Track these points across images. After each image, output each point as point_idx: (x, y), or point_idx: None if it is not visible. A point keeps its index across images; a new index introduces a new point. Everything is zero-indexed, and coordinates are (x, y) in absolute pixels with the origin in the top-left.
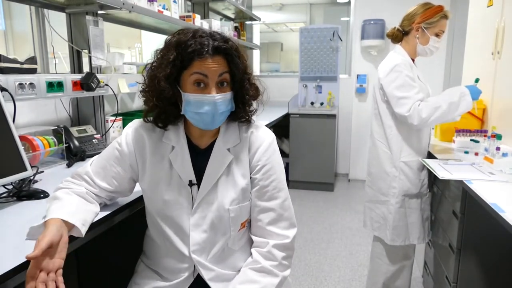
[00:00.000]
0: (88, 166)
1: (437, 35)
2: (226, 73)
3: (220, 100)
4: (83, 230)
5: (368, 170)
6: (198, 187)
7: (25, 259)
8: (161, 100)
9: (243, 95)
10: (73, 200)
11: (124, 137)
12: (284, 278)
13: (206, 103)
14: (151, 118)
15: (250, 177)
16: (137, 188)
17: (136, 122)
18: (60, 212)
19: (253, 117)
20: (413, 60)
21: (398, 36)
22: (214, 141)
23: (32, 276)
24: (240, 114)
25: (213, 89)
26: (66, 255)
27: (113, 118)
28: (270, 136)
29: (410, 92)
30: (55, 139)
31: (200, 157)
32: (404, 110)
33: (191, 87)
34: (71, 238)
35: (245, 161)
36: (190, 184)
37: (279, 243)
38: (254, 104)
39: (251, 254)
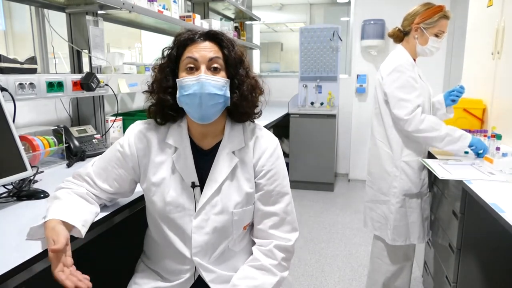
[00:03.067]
0: (89, 167)
1: (436, 35)
2: (218, 58)
3: (208, 80)
4: (83, 231)
5: (368, 170)
6: (201, 189)
7: (25, 259)
8: (156, 88)
9: (238, 83)
10: (73, 201)
11: (126, 138)
12: (282, 279)
13: (193, 84)
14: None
15: (255, 182)
16: (137, 188)
17: (138, 124)
18: (60, 213)
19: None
20: (414, 60)
21: (399, 36)
22: (218, 143)
23: (61, 270)
24: (235, 105)
25: (202, 71)
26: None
27: (113, 118)
28: (275, 141)
29: (411, 95)
30: (55, 139)
31: (203, 159)
32: (403, 113)
33: (184, 71)
34: (71, 238)
35: (249, 166)
36: (193, 186)
37: (281, 244)
38: (259, 105)
39: (251, 254)
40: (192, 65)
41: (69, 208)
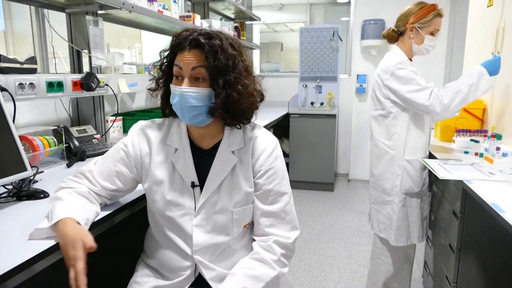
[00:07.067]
0: (91, 165)
1: (432, 34)
2: (201, 67)
3: (187, 93)
4: (85, 229)
5: (370, 171)
6: (201, 189)
7: (25, 259)
8: (156, 88)
9: (220, 94)
10: (76, 200)
11: (130, 138)
12: (281, 274)
13: (176, 95)
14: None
15: (254, 181)
16: (138, 187)
17: (141, 124)
18: (67, 211)
19: (254, 119)
20: (410, 60)
21: (394, 36)
22: (218, 143)
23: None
24: (217, 114)
25: (185, 82)
26: None
27: (113, 118)
28: (273, 141)
29: (422, 83)
30: (55, 139)
31: (203, 159)
32: (423, 100)
33: (174, 79)
34: None
35: (248, 165)
36: (193, 185)
37: (281, 240)
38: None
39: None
40: (178, 74)
41: (73, 207)
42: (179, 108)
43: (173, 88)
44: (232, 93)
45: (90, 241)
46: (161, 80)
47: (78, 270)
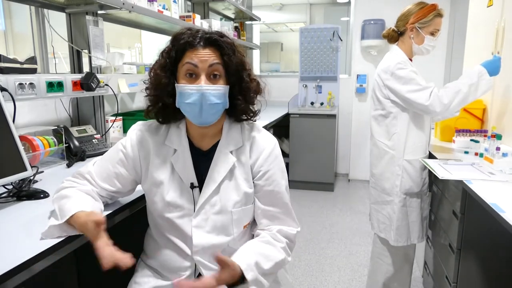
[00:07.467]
0: (90, 165)
1: (432, 34)
2: (218, 65)
3: (208, 90)
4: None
5: (370, 171)
6: (200, 189)
7: (25, 260)
8: (159, 90)
9: (242, 89)
10: (84, 196)
11: (129, 139)
12: (286, 261)
13: (194, 93)
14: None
15: (253, 182)
16: (138, 187)
17: (140, 125)
18: (79, 206)
19: (254, 118)
20: (410, 60)
21: (394, 36)
22: (216, 143)
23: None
24: (241, 109)
25: (203, 80)
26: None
27: (113, 118)
28: (272, 141)
29: (422, 82)
30: (55, 139)
31: (202, 160)
32: (423, 100)
33: (184, 78)
34: (71, 238)
35: (247, 166)
36: (192, 186)
37: (284, 229)
38: (258, 104)
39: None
40: (192, 72)
41: (83, 202)
42: (199, 106)
43: (188, 87)
44: (250, 86)
45: (97, 217)
46: (160, 80)
47: (99, 246)
